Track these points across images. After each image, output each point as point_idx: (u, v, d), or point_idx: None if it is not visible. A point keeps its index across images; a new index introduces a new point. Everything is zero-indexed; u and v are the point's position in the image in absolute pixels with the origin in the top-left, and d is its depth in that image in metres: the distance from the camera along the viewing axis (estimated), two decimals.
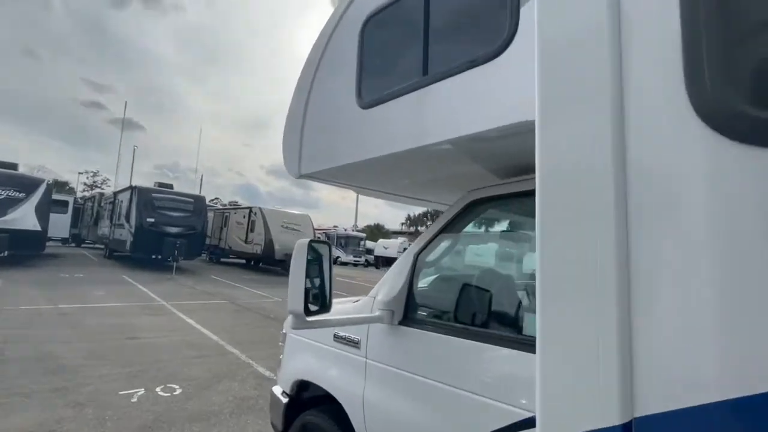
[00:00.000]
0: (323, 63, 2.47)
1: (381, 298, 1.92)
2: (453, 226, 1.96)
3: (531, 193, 0.90)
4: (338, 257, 30.44)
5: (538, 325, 0.83)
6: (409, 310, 1.88)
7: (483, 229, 2.25)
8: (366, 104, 2.04)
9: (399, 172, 2.25)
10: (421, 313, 1.90)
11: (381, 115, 1.96)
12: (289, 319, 2.49)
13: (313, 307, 1.60)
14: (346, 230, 36.37)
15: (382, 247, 35.52)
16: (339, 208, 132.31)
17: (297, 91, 2.58)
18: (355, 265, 31.58)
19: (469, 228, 2.01)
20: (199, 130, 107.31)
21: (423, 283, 2.04)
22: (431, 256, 2.05)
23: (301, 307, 1.51)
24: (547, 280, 0.83)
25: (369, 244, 36.49)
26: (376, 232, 51.51)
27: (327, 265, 1.75)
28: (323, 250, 1.75)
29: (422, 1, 1.84)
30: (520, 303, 1.84)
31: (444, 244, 2.06)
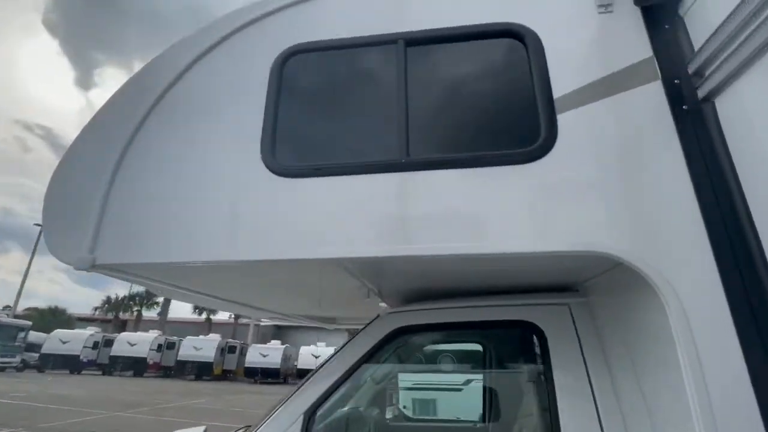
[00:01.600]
0: (169, 102, 1.66)
1: None
2: (370, 365, 1.52)
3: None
4: None
5: None
6: None
7: (416, 371, 1.86)
8: (284, 170, 1.43)
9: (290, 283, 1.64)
10: None
11: (307, 191, 1.41)
12: None
13: None
14: None
15: (58, 340, 25.72)
16: None
17: (92, 140, 1.61)
18: (3, 369, 21.28)
19: (396, 370, 1.60)
20: None
21: None
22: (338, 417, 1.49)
23: None
24: None
25: (37, 335, 25.91)
26: (52, 318, 37.17)
27: None
28: None
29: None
30: None
31: (364, 395, 1.55)
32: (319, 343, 26.94)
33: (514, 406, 1.81)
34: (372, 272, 1.73)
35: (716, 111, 1.32)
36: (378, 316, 1.93)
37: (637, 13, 1.53)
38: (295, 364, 26.43)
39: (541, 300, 1.81)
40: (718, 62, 1.28)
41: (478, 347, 2.17)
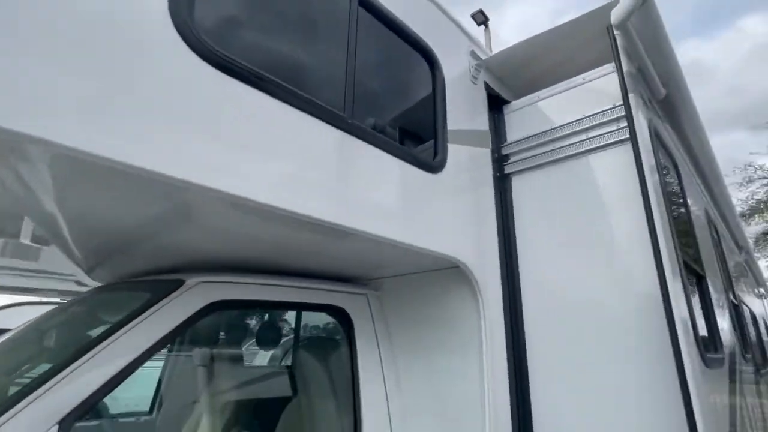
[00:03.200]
0: None
1: None
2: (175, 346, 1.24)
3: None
4: None
5: None
6: None
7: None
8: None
9: None
10: None
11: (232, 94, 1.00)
12: None
13: None
14: None
15: None
16: None
17: None
18: None
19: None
20: None
21: None
22: None
23: None
24: None
25: None
26: None
27: None
28: None
29: None
30: None
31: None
32: None
33: (326, 381, 1.84)
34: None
35: (511, 184, 2.04)
36: (181, 282, 1.47)
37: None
38: None
39: (348, 288, 1.98)
40: (512, 159, 2.03)
41: (290, 326, 2.01)
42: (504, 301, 1.83)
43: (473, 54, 2.11)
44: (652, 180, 1.53)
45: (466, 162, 1.87)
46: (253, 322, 1.98)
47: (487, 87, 2.15)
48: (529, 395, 1.75)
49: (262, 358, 2.20)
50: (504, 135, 2.15)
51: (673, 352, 1.33)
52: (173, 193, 1.03)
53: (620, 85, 1.67)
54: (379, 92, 1.68)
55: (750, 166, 12.73)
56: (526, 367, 1.79)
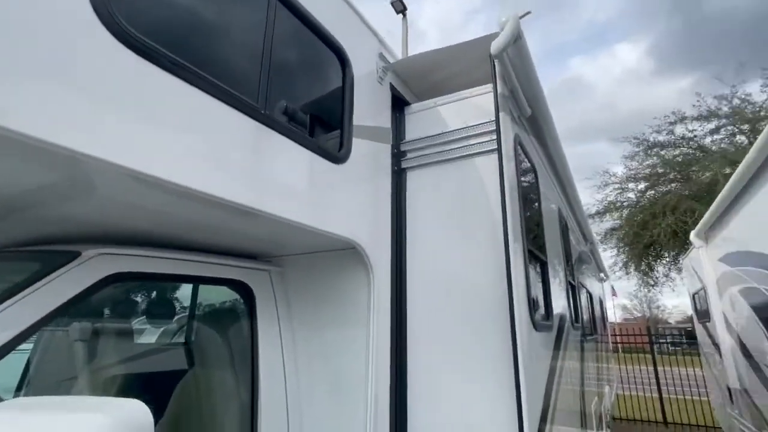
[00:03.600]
0: None
1: None
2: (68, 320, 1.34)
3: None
4: None
5: None
6: None
7: None
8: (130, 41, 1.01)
9: None
10: None
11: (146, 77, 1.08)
12: None
13: None
14: None
15: None
16: None
17: None
18: None
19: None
20: None
21: None
22: None
23: None
24: None
25: None
26: None
27: None
28: None
29: None
30: None
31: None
32: None
33: (226, 354, 1.93)
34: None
35: (406, 177, 2.33)
36: (77, 254, 1.48)
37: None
38: None
39: (251, 264, 2.10)
40: (408, 156, 2.33)
41: (194, 300, 2.00)
42: (392, 280, 2.14)
43: (381, 56, 2.33)
44: (509, 184, 1.93)
45: (368, 155, 2.10)
46: (153, 296, 1.98)
47: (392, 88, 2.40)
48: (406, 360, 2.09)
49: (164, 333, 2.21)
50: (403, 133, 2.43)
51: (509, 316, 1.75)
52: (73, 164, 1.03)
53: (494, 103, 2.03)
54: (293, 85, 1.80)
55: (606, 172, 15.33)
56: (406, 335, 2.12)
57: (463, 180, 2.21)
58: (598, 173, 15.29)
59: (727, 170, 11.30)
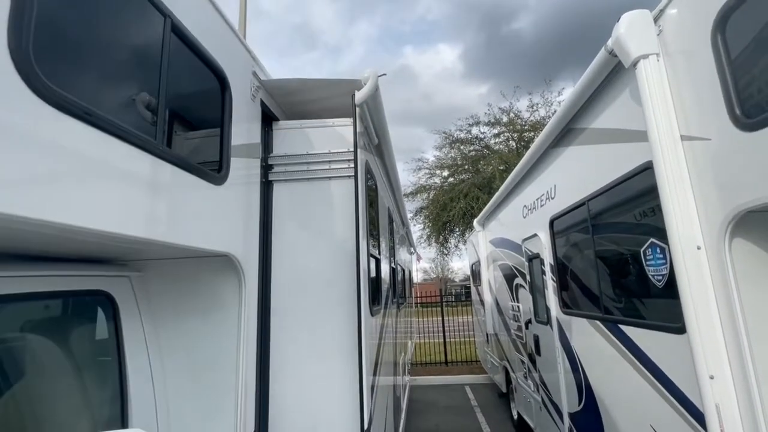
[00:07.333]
0: None
1: None
2: None
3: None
4: None
5: None
6: None
7: None
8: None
9: None
10: None
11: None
12: None
13: None
14: None
15: None
16: None
17: None
18: None
19: None
20: None
21: None
22: None
23: None
24: None
25: None
26: None
27: None
28: None
29: None
30: None
31: None
32: None
33: (95, 363, 1.89)
34: None
35: (273, 189, 2.63)
36: None
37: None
38: None
39: (109, 272, 2.11)
40: (275, 169, 2.64)
41: (60, 315, 1.74)
42: (259, 279, 2.45)
43: (255, 74, 2.50)
44: (362, 204, 2.48)
45: (244, 171, 2.31)
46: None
47: (263, 105, 2.61)
48: (269, 347, 2.48)
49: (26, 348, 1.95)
50: (271, 147, 2.69)
51: (357, 307, 2.34)
52: None
53: (353, 138, 2.52)
54: (182, 113, 1.86)
55: (420, 159, 18.09)
56: (269, 327, 2.50)
57: (323, 197, 2.66)
58: (414, 159, 17.82)
59: (501, 167, 14.92)
